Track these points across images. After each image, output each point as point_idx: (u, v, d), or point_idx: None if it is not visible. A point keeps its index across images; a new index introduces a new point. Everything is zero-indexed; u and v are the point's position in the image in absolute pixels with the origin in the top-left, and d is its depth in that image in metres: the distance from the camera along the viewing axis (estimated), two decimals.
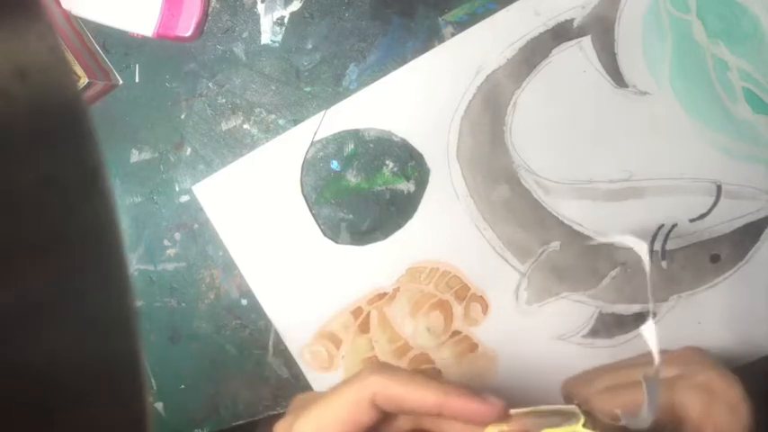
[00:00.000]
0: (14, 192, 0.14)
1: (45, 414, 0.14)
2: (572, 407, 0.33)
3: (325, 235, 0.47)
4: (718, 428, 0.34)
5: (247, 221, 0.47)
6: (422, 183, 0.47)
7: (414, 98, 0.46)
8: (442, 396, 0.31)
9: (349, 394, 0.32)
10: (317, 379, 0.48)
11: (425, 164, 0.47)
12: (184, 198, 0.48)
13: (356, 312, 0.47)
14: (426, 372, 0.47)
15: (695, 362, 0.38)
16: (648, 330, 0.34)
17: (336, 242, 0.47)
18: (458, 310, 0.47)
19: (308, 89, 0.47)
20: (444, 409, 0.32)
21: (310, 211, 0.47)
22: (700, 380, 0.35)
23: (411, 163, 0.47)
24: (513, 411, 0.33)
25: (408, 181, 0.47)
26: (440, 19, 0.46)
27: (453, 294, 0.47)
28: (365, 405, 0.32)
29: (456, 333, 0.47)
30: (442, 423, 0.33)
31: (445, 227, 0.46)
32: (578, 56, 0.45)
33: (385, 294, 0.47)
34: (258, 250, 0.47)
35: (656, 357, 0.31)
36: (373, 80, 0.47)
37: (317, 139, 0.47)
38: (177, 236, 0.49)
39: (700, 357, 0.38)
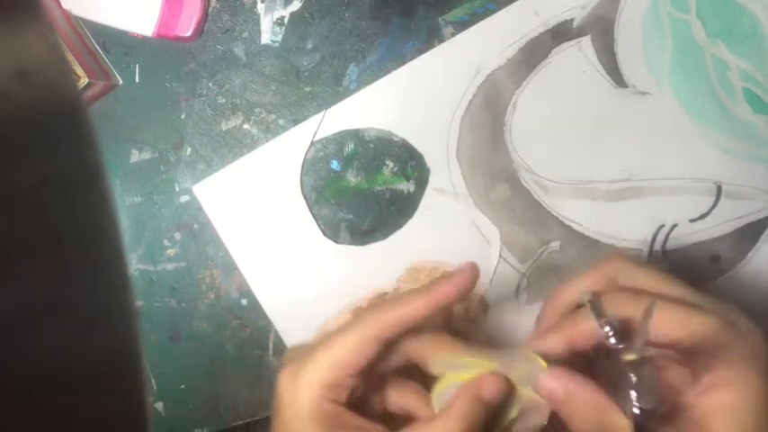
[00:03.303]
0: (14, 192, 0.14)
1: (45, 414, 0.14)
2: (534, 355, 0.35)
3: (325, 235, 0.47)
4: (734, 360, 0.32)
5: (247, 221, 0.47)
6: (422, 183, 0.47)
7: (414, 98, 0.46)
8: (427, 295, 0.35)
9: (355, 335, 0.35)
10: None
11: (425, 164, 0.47)
12: (184, 198, 0.48)
13: (356, 312, 0.47)
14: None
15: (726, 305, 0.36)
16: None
17: (336, 242, 0.47)
18: (457, 309, 0.47)
19: (308, 89, 0.47)
20: (433, 304, 0.35)
21: (310, 211, 0.47)
22: (728, 315, 0.33)
23: (411, 163, 0.47)
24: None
25: (408, 181, 0.47)
26: (440, 19, 0.46)
27: None
28: (371, 341, 0.35)
29: (456, 332, 0.47)
30: (427, 352, 0.36)
31: (445, 227, 0.46)
32: (578, 56, 0.45)
33: (385, 294, 0.47)
34: (258, 250, 0.47)
35: None
36: (373, 80, 0.47)
37: (316, 138, 0.47)
38: (177, 236, 0.49)
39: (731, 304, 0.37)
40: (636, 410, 0.31)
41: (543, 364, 0.34)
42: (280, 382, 0.35)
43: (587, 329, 0.34)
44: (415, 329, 0.36)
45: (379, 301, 0.36)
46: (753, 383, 0.31)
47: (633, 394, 0.31)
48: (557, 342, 0.35)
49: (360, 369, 0.35)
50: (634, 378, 0.32)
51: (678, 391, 0.33)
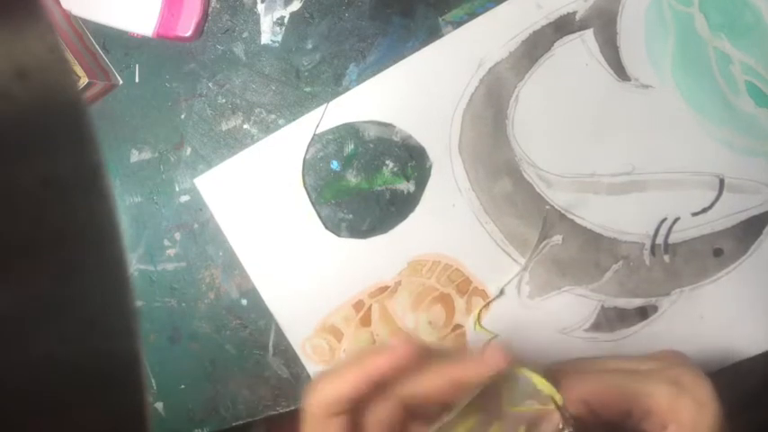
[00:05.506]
0: (14, 192, 0.14)
1: (45, 414, 0.14)
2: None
3: (326, 228, 0.47)
4: (682, 423, 0.34)
5: (249, 214, 0.47)
6: (422, 182, 0.47)
7: (416, 91, 0.46)
8: (358, 370, 0.34)
9: (310, 416, 0.36)
10: (318, 372, 0.48)
11: (427, 157, 0.46)
12: (184, 198, 0.48)
13: (357, 306, 0.47)
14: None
15: (670, 359, 0.38)
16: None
17: (338, 235, 0.47)
18: (459, 303, 0.47)
19: (308, 89, 0.47)
20: (365, 378, 0.34)
21: (312, 204, 0.47)
22: (671, 374, 0.35)
23: (411, 163, 0.47)
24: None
25: (408, 181, 0.47)
26: (440, 19, 0.46)
27: (455, 288, 0.47)
28: (318, 417, 0.35)
29: (457, 327, 0.47)
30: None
31: (447, 220, 0.46)
32: (580, 49, 0.45)
33: (386, 288, 0.47)
34: (260, 243, 0.47)
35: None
36: None
37: (318, 132, 0.47)
38: (177, 236, 0.49)
39: (675, 357, 0.38)
40: None
41: (537, 379, 0.34)
42: None
43: None
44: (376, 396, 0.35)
45: (321, 377, 0.36)
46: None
47: None
48: None
49: None
50: None
51: None
